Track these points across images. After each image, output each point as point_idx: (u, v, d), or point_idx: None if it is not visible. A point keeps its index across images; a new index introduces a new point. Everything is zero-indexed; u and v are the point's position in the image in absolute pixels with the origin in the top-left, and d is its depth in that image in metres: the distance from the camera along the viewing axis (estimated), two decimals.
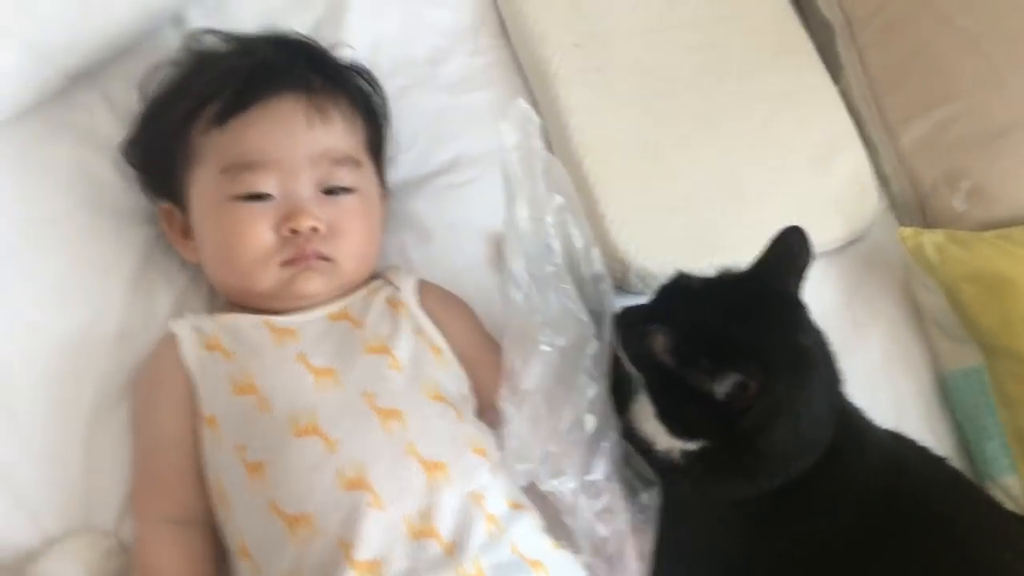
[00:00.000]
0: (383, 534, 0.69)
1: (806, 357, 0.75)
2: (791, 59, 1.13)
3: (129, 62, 0.95)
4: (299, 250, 0.80)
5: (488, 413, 0.83)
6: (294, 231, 0.80)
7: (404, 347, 0.80)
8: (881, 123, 1.13)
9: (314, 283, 0.81)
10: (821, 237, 0.98)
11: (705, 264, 0.82)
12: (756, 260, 0.79)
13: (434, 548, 0.70)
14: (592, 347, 0.76)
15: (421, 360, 0.81)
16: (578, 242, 0.80)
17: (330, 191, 0.83)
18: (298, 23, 0.99)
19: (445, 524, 0.71)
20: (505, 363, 0.76)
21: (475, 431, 0.80)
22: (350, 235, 0.83)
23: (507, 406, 0.76)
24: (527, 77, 1.08)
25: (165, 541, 0.75)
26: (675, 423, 0.77)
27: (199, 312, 0.85)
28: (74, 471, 0.80)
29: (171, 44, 0.97)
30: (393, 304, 0.84)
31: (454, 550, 0.70)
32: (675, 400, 0.76)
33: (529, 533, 0.76)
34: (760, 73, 1.10)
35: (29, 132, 0.90)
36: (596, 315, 0.79)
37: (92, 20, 0.89)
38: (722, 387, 0.71)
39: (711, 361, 0.72)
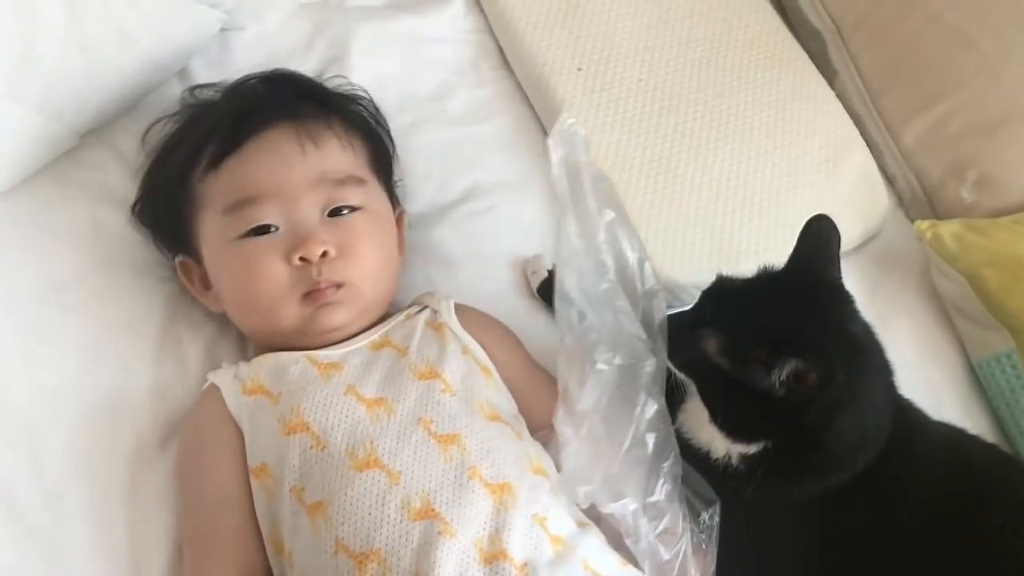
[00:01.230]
0: (457, 562, 0.67)
1: (861, 345, 0.75)
2: (787, 68, 1.15)
3: (138, 117, 0.95)
4: (313, 284, 0.78)
5: (536, 435, 0.81)
6: (304, 259, 0.78)
7: (454, 369, 0.79)
8: (881, 124, 1.15)
9: (338, 316, 0.80)
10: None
11: (729, 272, 0.81)
12: (792, 254, 0.79)
13: (509, 570, 0.68)
14: (650, 364, 0.75)
15: (472, 381, 0.79)
16: (631, 256, 0.79)
17: (335, 212, 0.82)
18: (306, 66, 0.99)
19: (515, 546, 0.69)
20: (560, 383, 0.75)
21: (534, 450, 0.78)
22: (362, 254, 0.81)
23: (564, 428, 0.74)
24: (533, 104, 1.09)
25: None
26: (733, 426, 0.75)
27: (231, 360, 0.83)
28: (116, 532, 0.77)
29: (178, 98, 0.96)
30: (435, 327, 0.83)
31: (527, 571, 0.68)
32: (732, 402, 0.75)
33: (598, 550, 0.74)
34: (759, 83, 1.12)
35: (42, 193, 0.89)
36: (649, 331, 0.78)
37: (99, 77, 0.89)
38: (780, 375, 0.70)
39: (767, 354, 0.71)
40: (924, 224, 1.06)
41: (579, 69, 1.07)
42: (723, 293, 0.78)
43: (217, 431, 0.77)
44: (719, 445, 0.78)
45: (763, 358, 0.71)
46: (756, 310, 0.75)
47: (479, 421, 0.76)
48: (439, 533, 0.68)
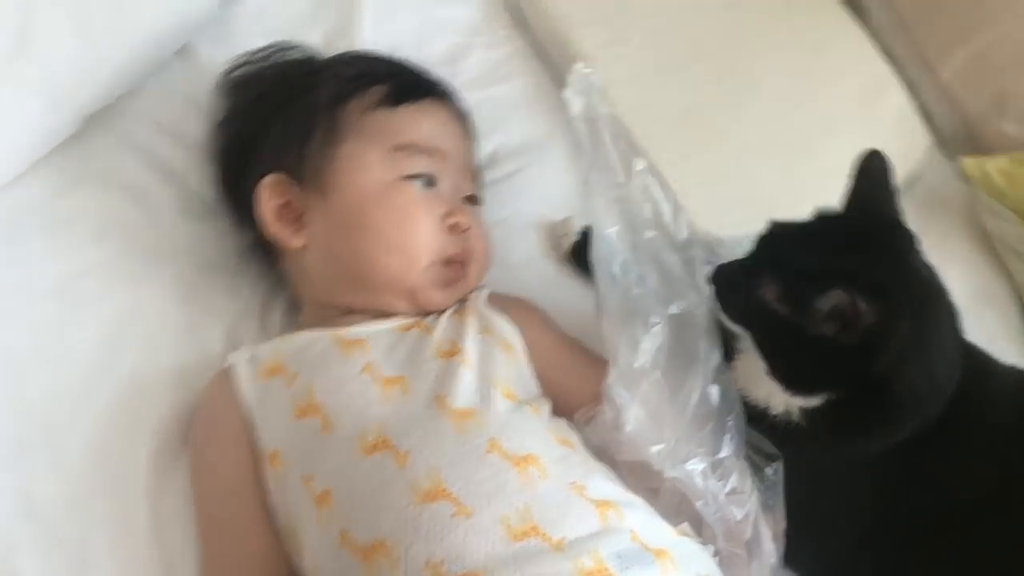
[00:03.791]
0: (477, 543, 0.61)
1: (927, 285, 0.70)
2: (816, 8, 1.09)
3: (140, 101, 0.92)
4: (462, 250, 0.80)
5: (578, 414, 0.76)
6: (455, 227, 0.79)
7: (472, 345, 0.75)
8: (918, 59, 1.09)
9: (445, 297, 0.80)
10: None
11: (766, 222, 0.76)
12: (848, 193, 0.74)
13: (541, 546, 0.62)
14: (705, 311, 0.70)
15: (491, 357, 0.75)
16: (665, 207, 0.75)
17: (470, 200, 0.84)
18: (311, 39, 0.94)
19: (549, 519, 0.63)
20: (610, 347, 0.70)
21: (556, 424, 0.74)
22: (481, 243, 0.83)
23: (618, 391, 0.69)
24: (554, 62, 1.04)
25: None
26: (795, 377, 0.70)
27: (253, 342, 0.80)
28: (141, 529, 0.73)
29: (180, 78, 0.94)
30: (460, 312, 0.80)
31: (565, 545, 0.62)
32: (793, 352, 0.70)
33: (647, 520, 0.69)
34: (787, 26, 1.07)
35: (50, 183, 0.85)
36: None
37: (97, 54, 0.85)
38: (823, 307, 0.65)
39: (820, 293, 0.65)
40: (970, 161, 1.01)
41: (599, 21, 1.02)
42: (779, 238, 0.73)
43: (223, 419, 0.74)
44: (778, 400, 0.73)
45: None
46: (815, 253, 0.70)
47: (497, 397, 0.72)
48: (452, 515, 0.62)
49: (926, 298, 0.70)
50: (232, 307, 0.84)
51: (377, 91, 0.81)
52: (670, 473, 0.69)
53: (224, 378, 0.75)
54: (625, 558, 0.63)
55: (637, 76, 1.00)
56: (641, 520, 0.68)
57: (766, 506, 0.71)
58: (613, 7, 1.04)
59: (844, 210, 0.74)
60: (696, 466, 0.69)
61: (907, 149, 1.05)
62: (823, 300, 0.66)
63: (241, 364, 0.75)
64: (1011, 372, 0.80)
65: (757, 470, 0.72)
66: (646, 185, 0.73)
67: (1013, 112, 1.05)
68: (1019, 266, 1.00)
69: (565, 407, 0.77)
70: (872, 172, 0.74)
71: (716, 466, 0.70)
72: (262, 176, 0.79)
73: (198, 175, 0.88)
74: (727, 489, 0.70)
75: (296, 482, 0.68)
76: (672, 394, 0.69)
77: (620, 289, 0.70)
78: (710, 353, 0.70)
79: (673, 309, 0.69)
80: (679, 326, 0.70)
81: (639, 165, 0.73)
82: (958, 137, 1.10)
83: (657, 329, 0.69)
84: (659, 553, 0.65)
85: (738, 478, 0.70)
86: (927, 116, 1.11)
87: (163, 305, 0.82)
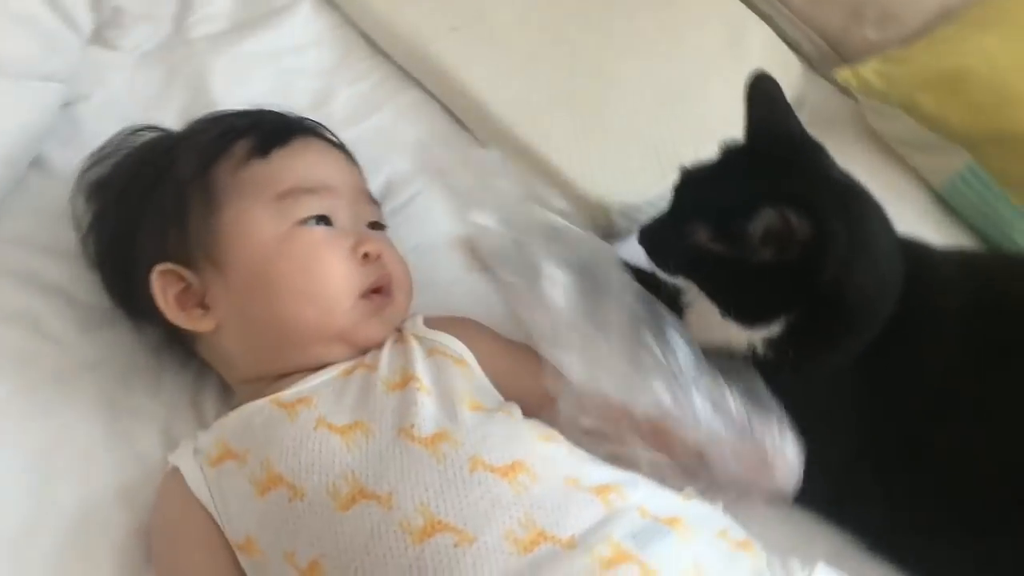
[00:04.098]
0: (489, 567, 0.58)
1: (850, 189, 0.70)
2: None
3: (4, 223, 0.85)
4: (379, 277, 0.76)
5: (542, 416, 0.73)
6: (366, 256, 0.75)
7: (423, 369, 0.71)
8: None
9: (382, 328, 0.75)
10: None
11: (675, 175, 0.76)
12: (747, 119, 0.73)
13: (554, 550, 0.59)
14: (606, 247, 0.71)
15: (446, 376, 0.71)
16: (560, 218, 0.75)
17: (374, 226, 0.81)
18: (166, 120, 0.89)
19: (553, 520, 0.61)
20: (529, 326, 0.69)
21: (533, 422, 0.71)
22: (398, 266, 0.79)
23: (552, 352, 0.68)
24: (419, 79, 1.02)
25: None
26: (749, 311, 0.69)
27: (192, 436, 0.73)
28: None
29: (40, 191, 0.88)
30: (400, 341, 0.76)
31: (577, 541, 0.60)
32: (741, 287, 0.69)
33: (652, 493, 0.67)
34: None
35: None
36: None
37: None
38: (757, 231, 0.65)
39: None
40: (846, 72, 1.03)
41: (455, 29, 1.00)
42: (694, 182, 0.72)
43: (184, 519, 0.68)
44: (739, 339, 0.71)
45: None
46: (735, 183, 0.69)
47: (464, 412, 0.68)
48: (455, 545, 0.59)
49: (851, 201, 0.70)
50: (160, 407, 0.78)
51: (242, 145, 0.77)
52: (640, 408, 0.66)
53: (173, 480, 0.70)
54: (640, 536, 0.61)
55: (507, 73, 0.99)
56: (645, 494, 0.66)
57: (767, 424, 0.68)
58: (465, 13, 1.02)
59: (748, 138, 0.73)
60: (661, 390, 0.66)
61: (783, 77, 1.03)
62: (755, 224, 0.65)
63: (185, 461, 0.69)
64: (951, 254, 0.81)
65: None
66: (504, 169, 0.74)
67: (870, 17, 1.08)
68: (918, 157, 1.02)
69: (531, 409, 0.73)
70: (764, 93, 0.74)
71: (684, 385, 0.67)
72: (150, 269, 0.74)
73: (85, 284, 0.82)
74: (708, 403, 0.67)
75: (279, 563, 0.63)
76: (598, 333, 0.67)
77: (514, 265, 0.70)
78: (618, 278, 0.70)
79: (567, 255, 0.69)
80: (582, 271, 0.69)
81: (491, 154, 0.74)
82: (826, 56, 1.12)
83: (557, 278, 0.68)
84: (672, 522, 0.64)
85: (715, 392, 0.68)
86: (792, 45, 1.13)
87: (87, 425, 0.76)
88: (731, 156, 0.72)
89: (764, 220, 0.64)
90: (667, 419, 0.66)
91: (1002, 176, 0.96)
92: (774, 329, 0.70)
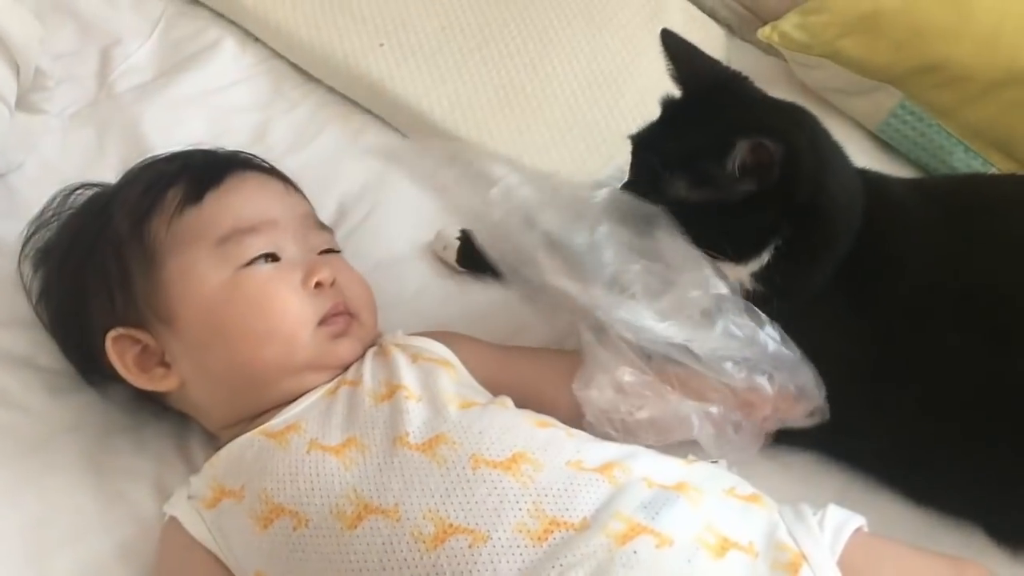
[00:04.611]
0: (507, 562, 0.58)
1: (797, 111, 0.73)
2: None
3: None
4: (333, 305, 0.73)
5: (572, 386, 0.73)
6: (320, 284, 0.73)
7: (409, 376, 0.70)
8: None
9: (351, 348, 0.74)
10: None
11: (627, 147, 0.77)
12: (674, 75, 0.76)
13: (567, 535, 0.59)
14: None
15: (432, 379, 0.71)
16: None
17: (325, 251, 0.79)
18: (106, 176, 0.87)
19: (562, 506, 0.61)
20: (565, 286, 0.70)
21: (526, 411, 0.71)
22: (363, 289, 0.78)
23: (600, 300, 0.69)
24: (356, 99, 1.03)
25: None
26: (740, 247, 0.71)
27: (182, 483, 0.72)
28: None
29: None
30: (381, 352, 0.75)
31: (589, 522, 0.60)
32: (728, 227, 0.70)
33: (654, 462, 0.67)
34: None
35: None
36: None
37: None
38: (735, 163, 0.66)
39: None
40: (766, 30, 1.06)
41: (381, 44, 1.01)
42: (650, 143, 0.74)
43: (189, 564, 0.66)
44: (727, 275, 0.72)
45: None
46: (693, 131, 0.71)
47: (456, 412, 0.67)
48: (470, 546, 0.58)
49: (801, 119, 0.73)
50: (148, 461, 0.76)
51: (174, 193, 0.74)
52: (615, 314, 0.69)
53: (172, 529, 0.68)
54: (650, 506, 0.61)
55: (441, 80, 0.99)
56: (648, 465, 0.66)
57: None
58: (389, 29, 1.03)
59: (683, 88, 0.75)
60: (637, 308, 0.69)
61: (707, 45, 1.07)
62: (732, 158, 0.66)
63: (180, 508, 0.68)
64: (903, 179, 0.85)
65: None
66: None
67: None
68: (851, 102, 1.05)
69: (528, 403, 0.73)
70: (677, 45, 0.76)
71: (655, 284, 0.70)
72: (104, 336, 0.72)
73: (46, 350, 0.80)
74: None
75: None
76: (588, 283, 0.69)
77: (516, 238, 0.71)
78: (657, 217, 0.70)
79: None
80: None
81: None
82: (746, 20, 1.15)
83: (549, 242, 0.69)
84: (679, 487, 0.64)
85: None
86: (710, 14, 1.15)
87: (75, 491, 0.73)
88: (675, 110, 0.74)
89: (740, 152, 0.66)
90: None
91: (933, 107, 0.99)
92: (765, 257, 0.71)
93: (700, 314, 0.70)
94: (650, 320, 0.69)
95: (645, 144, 0.74)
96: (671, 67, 0.75)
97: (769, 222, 0.69)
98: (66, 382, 0.79)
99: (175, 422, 0.79)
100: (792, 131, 0.68)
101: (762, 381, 0.70)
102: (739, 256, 0.70)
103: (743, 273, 0.71)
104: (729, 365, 0.70)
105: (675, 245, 0.70)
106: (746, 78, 0.76)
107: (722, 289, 0.70)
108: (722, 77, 0.75)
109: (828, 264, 0.72)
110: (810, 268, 0.72)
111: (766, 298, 0.71)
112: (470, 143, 0.76)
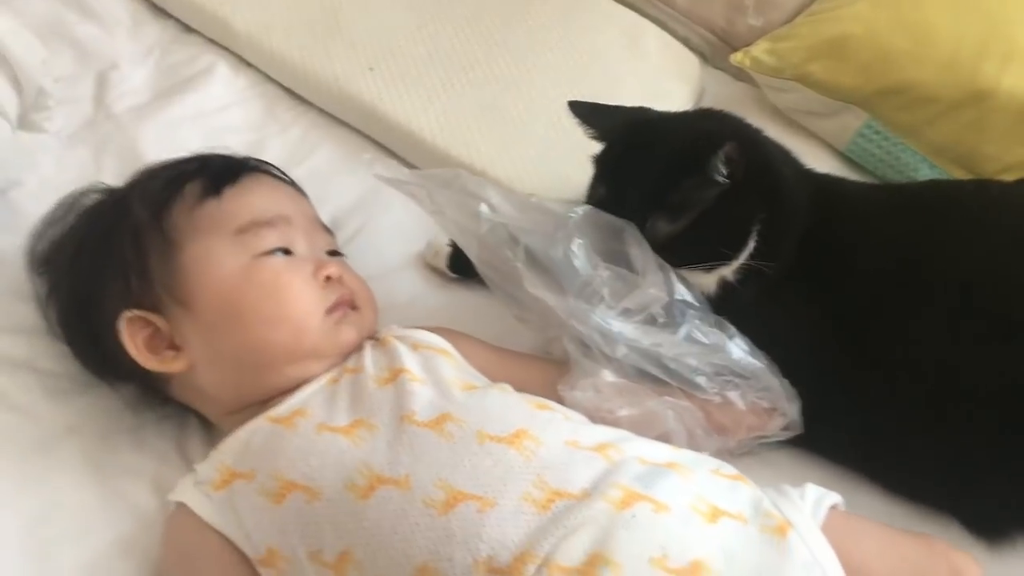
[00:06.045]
0: (513, 526, 0.62)
1: (719, 112, 0.85)
2: None
3: None
4: (340, 295, 0.78)
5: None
6: (328, 279, 0.78)
7: (411, 361, 0.74)
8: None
9: (354, 332, 0.78)
10: (676, 106, 1.04)
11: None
12: (594, 135, 0.84)
13: (569, 504, 0.63)
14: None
15: (433, 364, 0.75)
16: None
17: (331, 253, 0.83)
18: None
19: (563, 479, 0.65)
20: (545, 297, 0.75)
21: (525, 395, 0.74)
22: (359, 285, 0.82)
23: (576, 307, 0.74)
24: (348, 121, 1.06)
25: None
26: (730, 243, 0.76)
27: (184, 476, 0.74)
28: None
29: None
30: (381, 342, 0.78)
31: (589, 492, 0.64)
32: (721, 236, 0.76)
33: (645, 445, 0.71)
34: (535, 10, 1.14)
35: None
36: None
37: None
38: (719, 167, 0.73)
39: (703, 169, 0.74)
40: (738, 55, 1.10)
41: (371, 69, 1.05)
42: (609, 202, 0.78)
43: (199, 546, 0.69)
44: (708, 282, 0.78)
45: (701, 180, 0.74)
46: (644, 175, 0.77)
47: (459, 393, 0.72)
48: (479, 511, 0.62)
49: (727, 118, 0.84)
50: (147, 460, 0.78)
51: (194, 187, 0.79)
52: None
53: (180, 515, 0.70)
54: (644, 478, 0.66)
55: (428, 100, 1.03)
56: (640, 447, 0.70)
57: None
58: (378, 54, 1.07)
59: (607, 143, 0.83)
60: (605, 314, 0.74)
61: (684, 73, 1.14)
62: (716, 160, 0.72)
63: (188, 493, 0.70)
64: (857, 182, 0.94)
65: None
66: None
67: (750, 6, 1.16)
68: (820, 124, 1.10)
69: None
70: (584, 110, 0.84)
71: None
72: (116, 320, 0.75)
73: (45, 353, 0.82)
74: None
75: (304, 565, 0.64)
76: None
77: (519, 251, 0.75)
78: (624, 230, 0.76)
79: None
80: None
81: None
82: (718, 49, 1.20)
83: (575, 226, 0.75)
84: (670, 465, 0.68)
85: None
86: (684, 42, 1.20)
87: (77, 489, 0.75)
88: (610, 163, 0.81)
89: (723, 156, 0.72)
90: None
91: (898, 127, 1.04)
92: (750, 246, 0.76)
93: (665, 314, 0.75)
94: (617, 323, 0.74)
95: (608, 164, 0.81)
96: (588, 130, 0.83)
97: (747, 215, 0.75)
98: (66, 385, 0.81)
99: (174, 424, 0.81)
100: (730, 127, 0.78)
101: (734, 396, 0.75)
102: (735, 249, 0.76)
103: (726, 270, 0.76)
104: (702, 380, 0.75)
105: (642, 254, 0.75)
106: (651, 109, 0.85)
107: (687, 296, 0.75)
108: (636, 117, 0.83)
109: (792, 238, 0.78)
110: (778, 248, 0.77)
111: (748, 286, 0.76)
112: (464, 170, 0.80)
